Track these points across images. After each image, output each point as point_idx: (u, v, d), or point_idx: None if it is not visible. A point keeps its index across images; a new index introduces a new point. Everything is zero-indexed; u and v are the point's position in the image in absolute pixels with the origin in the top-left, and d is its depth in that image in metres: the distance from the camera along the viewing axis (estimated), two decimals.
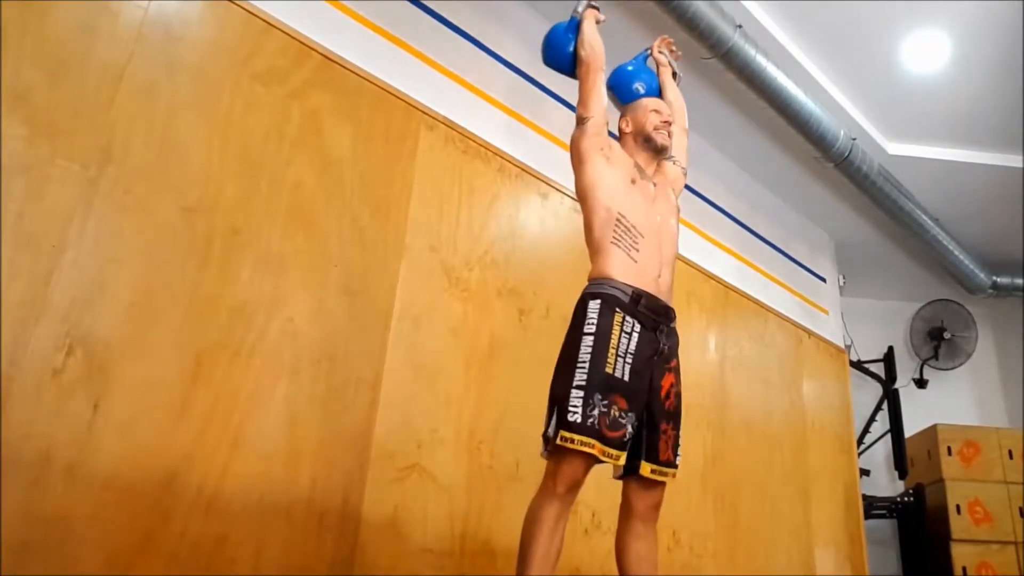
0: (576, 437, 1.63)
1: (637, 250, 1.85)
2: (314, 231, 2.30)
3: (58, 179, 1.82)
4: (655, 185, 2.01)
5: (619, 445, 1.69)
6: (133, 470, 1.79)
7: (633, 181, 1.94)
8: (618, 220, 1.86)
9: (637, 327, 1.78)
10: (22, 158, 1.77)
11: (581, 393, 1.67)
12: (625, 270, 1.82)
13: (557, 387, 1.73)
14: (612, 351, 1.73)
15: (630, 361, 1.74)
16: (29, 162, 1.78)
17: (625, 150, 2.05)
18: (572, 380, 1.70)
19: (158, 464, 1.83)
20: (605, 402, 1.68)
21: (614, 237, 1.85)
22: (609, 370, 1.71)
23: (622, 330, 1.75)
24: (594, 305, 1.77)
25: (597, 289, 1.81)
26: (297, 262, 2.23)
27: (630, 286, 1.80)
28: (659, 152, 2.08)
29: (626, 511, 1.82)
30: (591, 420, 1.65)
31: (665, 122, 2.08)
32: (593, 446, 1.64)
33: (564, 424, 1.65)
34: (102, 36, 1.97)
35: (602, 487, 1.99)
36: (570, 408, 1.66)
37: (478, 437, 2.52)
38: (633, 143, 2.08)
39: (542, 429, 1.73)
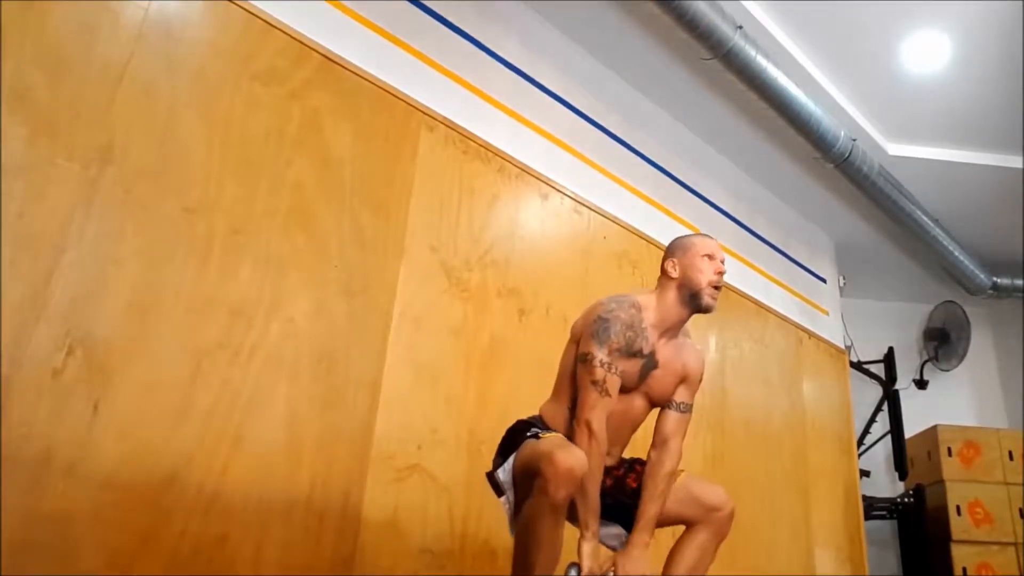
0: (559, 434, 1.75)
1: None
2: (314, 231, 2.30)
3: (58, 179, 1.82)
4: (655, 368, 1.87)
5: None
6: (133, 470, 1.79)
7: (623, 386, 1.83)
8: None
9: None
10: (22, 158, 1.77)
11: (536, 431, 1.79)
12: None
13: (510, 446, 1.81)
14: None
15: None
16: (29, 162, 1.78)
17: (661, 297, 1.88)
18: (525, 434, 1.78)
19: (158, 464, 1.83)
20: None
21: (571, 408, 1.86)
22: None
23: None
24: (535, 429, 1.81)
25: (538, 424, 1.86)
26: (297, 262, 2.23)
27: None
28: (699, 312, 1.87)
29: (702, 519, 1.84)
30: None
31: (720, 272, 1.86)
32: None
33: (540, 433, 1.75)
34: (102, 36, 1.97)
35: None
36: (529, 434, 1.77)
37: (478, 437, 2.52)
38: (675, 294, 1.87)
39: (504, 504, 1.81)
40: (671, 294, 1.87)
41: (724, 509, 1.84)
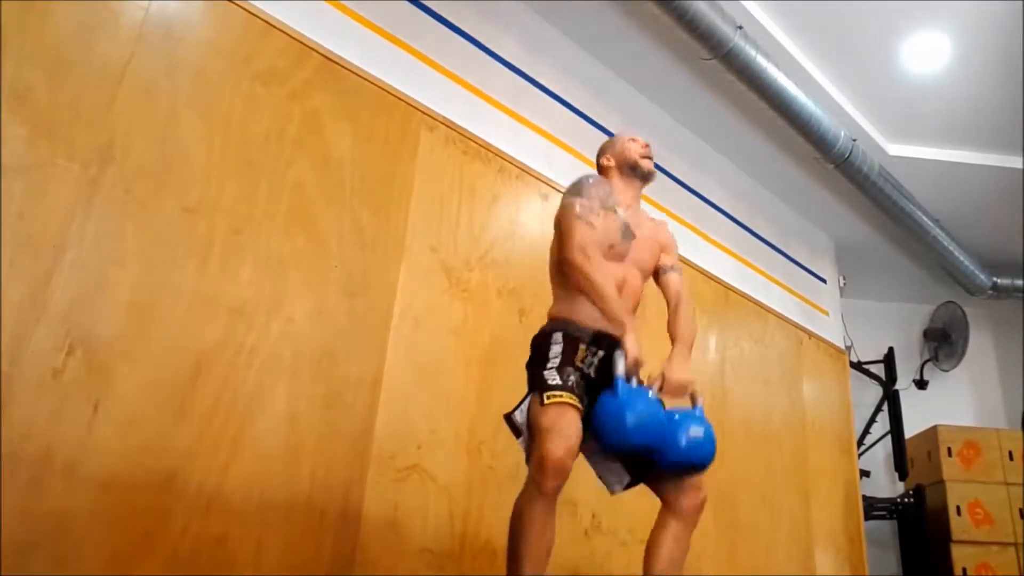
0: (563, 393, 1.70)
1: None
2: (314, 231, 2.30)
3: (58, 179, 1.82)
4: (634, 238, 1.99)
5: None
6: (133, 470, 1.79)
7: (611, 247, 1.93)
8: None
9: (600, 352, 1.83)
10: (22, 158, 1.77)
11: (554, 370, 1.76)
12: (589, 314, 1.86)
13: (530, 381, 1.82)
14: (579, 360, 1.81)
15: (595, 367, 1.81)
16: (29, 162, 1.78)
17: (611, 183, 2.05)
18: (545, 366, 1.78)
19: (158, 464, 1.83)
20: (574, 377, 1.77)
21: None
22: (579, 363, 1.80)
23: (588, 352, 1.82)
24: (557, 336, 1.84)
25: (557, 326, 1.87)
26: (297, 262, 2.23)
27: (592, 329, 1.85)
28: (646, 180, 2.09)
29: (670, 510, 1.83)
30: (569, 383, 1.74)
31: (646, 146, 2.11)
32: (569, 399, 1.70)
33: (546, 388, 1.72)
34: (103, 36, 1.97)
35: (602, 488, 1.99)
36: (547, 379, 1.74)
37: (478, 437, 2.52)
38: (619, 176, 2.08)
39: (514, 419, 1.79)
40: (615, 178, 2.08)
41: (698, 497, 1.83)
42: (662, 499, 1.84)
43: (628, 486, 1.87)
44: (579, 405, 1.70)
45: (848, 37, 3.51)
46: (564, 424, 1.65)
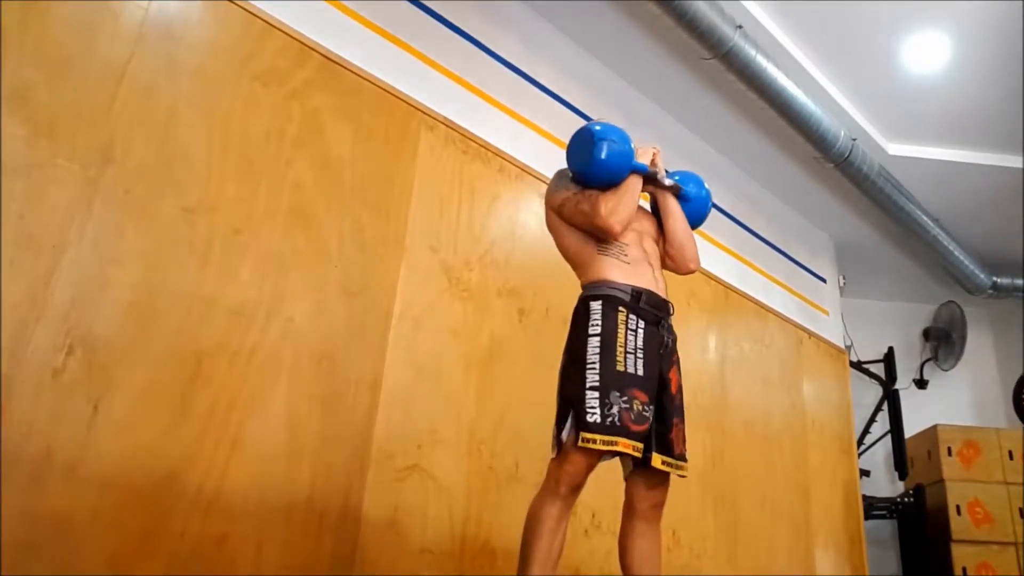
0: (598, 437, 1.63)
1: (626, 255, 1.87)
2: (314, 231, 2.30)
3: (58, 179, 1.82)
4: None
5: (643, 438, 1.70)
6: (133, 470, 1.79)
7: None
8: (599, 238, 1.88)
9: (641, 323, 1.78)
10: (22, 158, 1.77)
11: (596, 394, 1.67)
12: (620, 272, 1.83)
13: (568, 390, 1.72)
14: (620, 348, 1.73)
15: (640, 356, 1.75)
16: (29, 162, 1.78)
17: None
18: (584, 382, 1.69)
19: (158, 464, 1.83)
20: (625, 398, 1.68)
21: (600, 250, 1.87)
22: (620, 368, 1.71)
23: (627, 327, 1.76)
24: (596, 306, 1.78)
25: (596, 291, 1.81)
26: (297, 262, 2.23)
27: (628, 284, 1.81)
28: None
29: (629, 510, 1.82)
30: (611, 419, 1.65)
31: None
32: (617, 443, 1.64)
33: (583, 426, 1.64)
34: (103, 36, 1.97)
35: (602, 487, 1.99)
36: (588, 410, 1.65)
37: (478, 437, 2.52)
38: None
39: (552, 433, 1.72)
40: None
41: (658, 495, 1.82)
42: (626, 497, 1.83)
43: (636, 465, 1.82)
44: (610, 446, 1.64)
45: (848, 37, 3.51)
46: (591, 461, 1.67)
